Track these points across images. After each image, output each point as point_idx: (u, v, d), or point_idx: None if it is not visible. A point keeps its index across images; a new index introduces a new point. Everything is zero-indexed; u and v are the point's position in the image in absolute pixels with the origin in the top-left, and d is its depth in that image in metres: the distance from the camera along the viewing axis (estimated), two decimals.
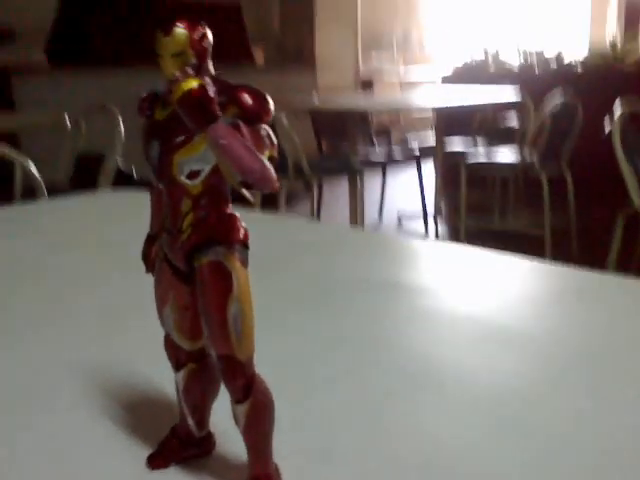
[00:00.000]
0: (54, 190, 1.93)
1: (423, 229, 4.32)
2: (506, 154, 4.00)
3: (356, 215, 3.78)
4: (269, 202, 2.29)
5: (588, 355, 0.59)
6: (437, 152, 4.19)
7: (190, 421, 0.41)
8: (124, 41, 5.93)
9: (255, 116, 0.32)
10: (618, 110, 2.87)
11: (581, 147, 3.88)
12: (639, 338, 0.62)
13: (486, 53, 6.09)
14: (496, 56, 5.98)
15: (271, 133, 0.33)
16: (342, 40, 7.85)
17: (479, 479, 0.41)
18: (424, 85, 8.98)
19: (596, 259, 2.67)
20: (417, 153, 4.74)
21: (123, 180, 3.10)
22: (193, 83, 0.30)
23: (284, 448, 0.39)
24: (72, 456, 0.44)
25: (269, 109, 0.32)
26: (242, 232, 0.35)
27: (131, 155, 3.55)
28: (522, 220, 4.17)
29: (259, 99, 0.32)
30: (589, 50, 6.22)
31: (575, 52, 5.69)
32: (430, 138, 7.17)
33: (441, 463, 0.42)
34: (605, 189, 4.13)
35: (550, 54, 5.68)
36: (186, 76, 0.31)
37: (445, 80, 6.30)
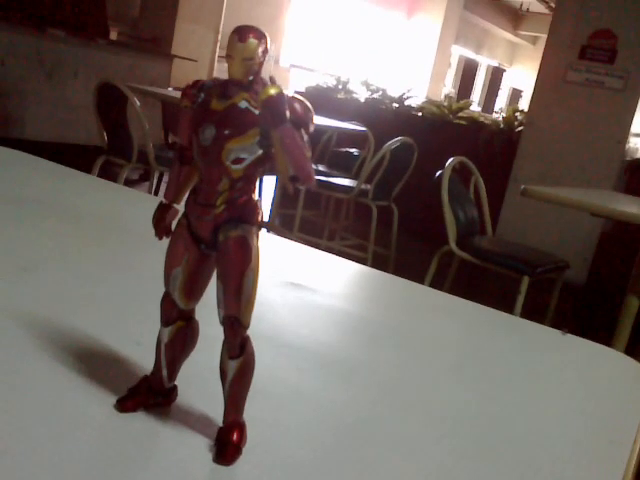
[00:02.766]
0: None
1: None
2: (344, 180, 4.24)
3: None
4: None
5: (386, 333, 0.75)
6: None
7: (164, 372, 0.46)
8: None
9: (304, 123, 0.39)
10: (449, 159, 3.19)
11: (412, 185, 4.22)
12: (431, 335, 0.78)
13: (338, 80, 6.38)
14: (346, 84, 6.29)
15: (308, 139, 0.40)
16: (201, 38, 7.82)
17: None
18: None
19: None
20: None
21: None
22: (275, 89, 0.37)
23: None
24: (38, 399, 0.47)
25: (313, 119, 0.40)
26: (261, 215, 0.42)
27: None
28: (348, 242, 4.42)
29: (307, 110, 0.39)
30: (427, 98, 6.76)
31: (414, 97, 6.14)
32: None
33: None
34: (426, 227, 4.50)
35: (393, 93, 6.09)
36: (270, 82, 0.37)
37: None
